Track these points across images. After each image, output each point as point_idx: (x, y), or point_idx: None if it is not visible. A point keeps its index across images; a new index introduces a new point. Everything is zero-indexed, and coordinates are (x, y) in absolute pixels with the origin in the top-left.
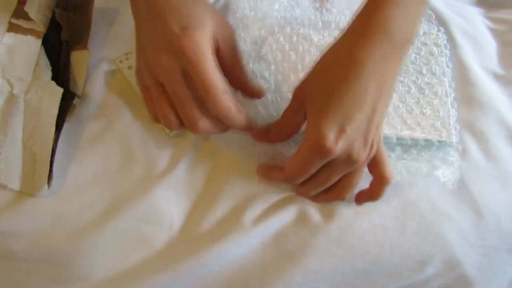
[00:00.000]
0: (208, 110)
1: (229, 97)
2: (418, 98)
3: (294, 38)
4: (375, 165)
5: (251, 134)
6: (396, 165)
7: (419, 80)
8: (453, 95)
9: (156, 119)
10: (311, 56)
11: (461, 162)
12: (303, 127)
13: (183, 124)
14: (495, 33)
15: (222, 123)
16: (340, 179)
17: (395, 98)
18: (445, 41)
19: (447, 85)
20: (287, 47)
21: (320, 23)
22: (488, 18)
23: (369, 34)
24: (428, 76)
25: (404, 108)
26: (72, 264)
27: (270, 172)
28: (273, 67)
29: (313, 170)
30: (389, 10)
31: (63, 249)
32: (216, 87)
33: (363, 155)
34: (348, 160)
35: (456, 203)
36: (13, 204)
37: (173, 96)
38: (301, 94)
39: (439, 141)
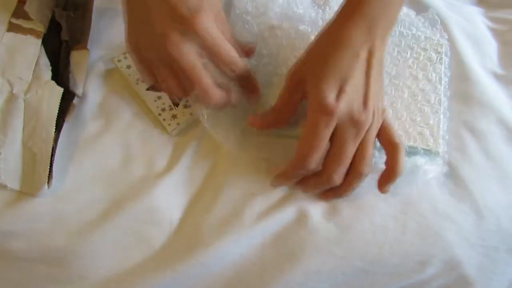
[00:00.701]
0: (231, 75)
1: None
2: (409, 104)
3: (292, 34)
4: (383, 133)
5: (251, 124)
6: (377, 164)
7: (414, 86)
8: (446, 103)
9: (155, 83)
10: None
11: (444, 169)
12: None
13: (186, 94)
14: (495, 33)
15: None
16: (354, 155)
17: (386, 102)
18: (447, 48)
19: (442, 93)
20: (283, 42)
21: (320, 21)
22: (488, 18)
23: (354, 17)
24: (423, 82)
25: (394, 113)
26: (72, 264)
27: (283, 175)
28: (265, 60)
29: (323, 138)
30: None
31: (63, 249)
32: (236, 57)
33: (364, 116)
34: (352, 120)
35: (456, 203)
36: (13, 204)
37: (187, 70)
38: (297, 74)
39: (425, 149)
